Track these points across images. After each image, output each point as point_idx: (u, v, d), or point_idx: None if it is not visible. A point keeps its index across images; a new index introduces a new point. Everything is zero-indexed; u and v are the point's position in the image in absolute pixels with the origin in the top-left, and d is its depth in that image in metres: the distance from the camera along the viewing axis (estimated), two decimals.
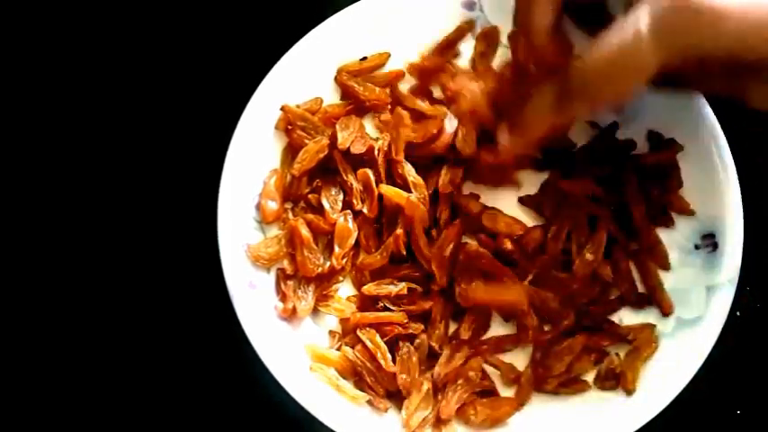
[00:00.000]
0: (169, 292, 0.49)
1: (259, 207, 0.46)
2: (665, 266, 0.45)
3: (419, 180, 0.46)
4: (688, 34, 0.33)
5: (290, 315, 0.45)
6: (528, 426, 0.44)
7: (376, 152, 0.46)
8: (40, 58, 0.53)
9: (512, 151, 0.42)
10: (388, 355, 0.43)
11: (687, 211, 0.45)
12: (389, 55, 0.48)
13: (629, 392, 0.43)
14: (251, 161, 0.46)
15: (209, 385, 0.47)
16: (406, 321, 0.44)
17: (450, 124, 0.45)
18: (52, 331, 0.49)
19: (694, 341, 0.43)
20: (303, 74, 0.47)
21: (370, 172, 0.45)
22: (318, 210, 0.46)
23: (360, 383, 0.44)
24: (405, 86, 0.48)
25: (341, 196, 0.46)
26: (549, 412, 0.44)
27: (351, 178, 0.46)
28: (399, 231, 0.44)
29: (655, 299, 0.45)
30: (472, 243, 0.45)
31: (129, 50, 0.52)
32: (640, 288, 0.46)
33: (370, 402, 0.44)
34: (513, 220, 0.46)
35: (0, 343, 0.49)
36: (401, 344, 0.44)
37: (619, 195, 0.46)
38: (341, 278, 0.46)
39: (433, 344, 0.44)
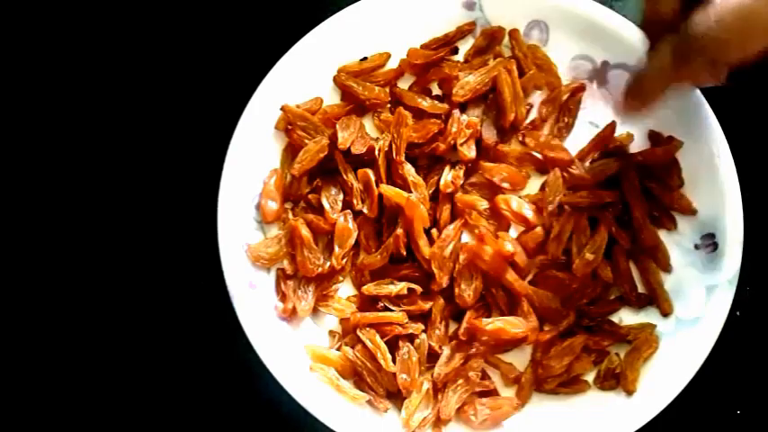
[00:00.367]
0: (169, 291, 0.49)
1: (259, 207, 0.46)
2: (666, 267, 0.45)
3: (419, 180, 0.46)
4: None
5: (290, 315, 0.45)
6: (528, 426, 0.44)
7: (376, 152, 0.46)
8: (40, 58, 0.53)
9: (631, 115, 0.42)
10: (388, 355, 0.43)
11: (689, 211, 0.45)
12: (390, 55, 0.48)
13: (630, 392, 0.43)
14: (251, 161, 0.46)
15: (210, 385, 0.47)
16: (405, 321, 0.44)
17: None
18: (52, 331, 0.49)
19: (694, 341, 0.43)
20: (303, 74, 0.47)
21: (370, 172, 0.45)
22: (318, 210, 0.46)
23: (360, 383, 0.44)
24: (405, 85, 0.48)
25: (341, 196, 0.46)
26: (550, 412, 0.44)
27: (351, 178, 0.46)
28: (399, 231, 0.44)
29: (655, 299, 0.45)
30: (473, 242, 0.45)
31: (129, 51, 0.52)
32: (640, 288, 0.46)
33: (370, 402, 0.44)
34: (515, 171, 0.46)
35: (0, 343, 0.49)
36: (401, 344, 0.44)
37: (619, 195, 0.46)
38: (341, 278, 0.46)
39: (433, 344, 0.44)
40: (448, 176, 0.45)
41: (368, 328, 0.44)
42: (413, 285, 0.45)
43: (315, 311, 0.46)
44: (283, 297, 0.45)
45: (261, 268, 0.46)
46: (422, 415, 0.43)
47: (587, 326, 0.45)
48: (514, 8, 0.48)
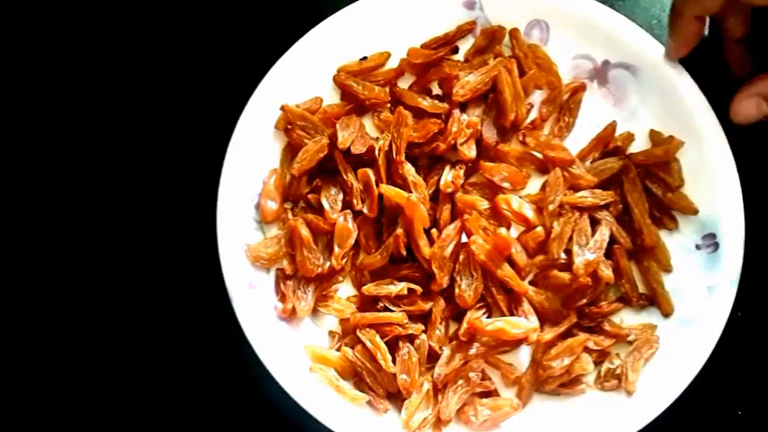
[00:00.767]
0: (169, 291, 0.49)
1: (259, 207, 0.46)
2: (667, 267, 0.45)
3: (419, 180, 0.45)
4: None
5: (290, 315, 0.45)
6: (528, 426, 0.44)
7: (376, 152, 0.46)
8: (40, 58, 0.53)
9: (675, 56, 0.45)
10: (388, 356, 0.43)
11: (690, 210, 0.45)
12: (389, 55, 0.48)
13: (630, 393, 0.43)
14: (251, 161, 0.46)
15: (209, 385, 0.47)
16: (405, 322, 0.44)
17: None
18: (52, 331, 0.49)
19: (695, 341, 0.43)
20: (303, 74, 0.47)
21: (370, 172, 0.45)
22: (318, 210, 0.46)
23: (360, 384, 0.44)
24: (405, 85, 0.48)
25: (341, 196, 0.46)
26: (550, 413, 0.44)
27: (351, 178, 0.46)
28: (399, 231, 0.44)
29: (655, 299, 0.45)
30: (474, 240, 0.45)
31: (129, 51, 0.52)
32: (641, 288, 0.45)
33: (369, 403, 0.44)
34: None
35: (0, 343, 0.49)
36: (401, 344, 0.44)
37: (619, 195, 0.45)
38: (340, 278, 0.46)
39: (433, 344, 0.44)
40: (448, 176, 0.45)
41: (368, 329, 0.44)
42: (413, 285, 0.44)
43: (314, 312, 0.46)
44: (283, 297, 0.45)
45: (260, 268, 0.46)
46: (422, 415, 0.43)
47: (588, 326, 0.44)
48: (515, 7, 0.48)
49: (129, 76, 0.52)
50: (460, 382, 0.43)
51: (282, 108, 0.46)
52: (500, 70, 0.46)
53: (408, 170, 0.45)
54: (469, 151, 0.46)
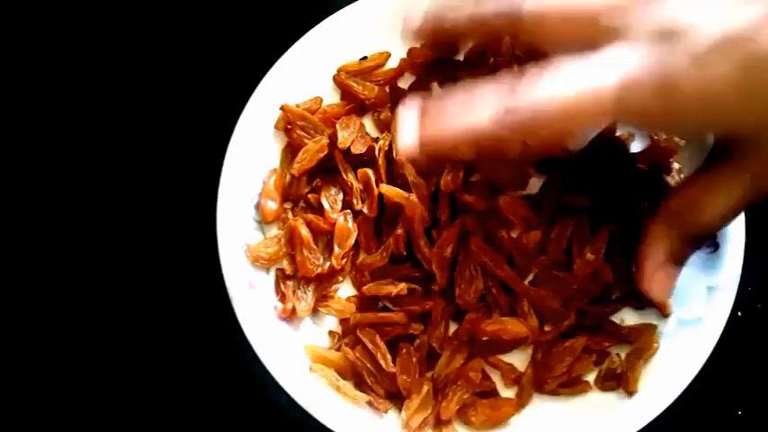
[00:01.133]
0: (168, 292, 0.49)
1: (259, 207, 0.46)
2: None
3: (419, 180, 0.45)
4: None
5: (290, 315, 0.45)
6: (529, 427, 0.44)
7: (377, 152, 0.46)
8: (40, 58, 0.53)
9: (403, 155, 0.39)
10: (389, 356, 0.43)
11: None
12: (390, 54, 0.48)
13: (631, 393, 0.43)
14: (250, 161, 0.46)
15: (209, 386, 0.47)
16: (406, 322, 0.44)
17: None
18: (52, 331, 0.49)
19: (695, 341, 0.43)
20: (303, 74, 0.47)
21: (370, 172, 0.45)
22: (318, 210, 0.46)
23: (360, 384, 0.44)
24: (405, 85, 0.48)
25: (341, 196, 0.46)
26: (550, 413, 0.44)
27: (351, 178, 0.46)
28: (399, 231, 0.44)
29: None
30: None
31: (129, 50, 0.52)
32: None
33: (370, 403, 0.44)
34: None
35: (0, 343, 0.49)
36: (401, 344, 0.44)
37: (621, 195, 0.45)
38: (340, 278, 0.46)
39: (434, 344, 0.44)
40: (448, 176, 0.45)
41: (368, 329, 0.44)
42: (413, 285, 0.44)
43: (314, 312, 0.46)
44: (283, 297, 0.45)
45: (260, 268, 0.46)
46: (422, 416, 0.43)
47: (588, 326, 0.44)
48: None
49: (129, 76, 0.52)
50: (461, 382, 0.43)
51: (282, 108, 0.46)
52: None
53: (408, 170, 0.45)
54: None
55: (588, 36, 0.35)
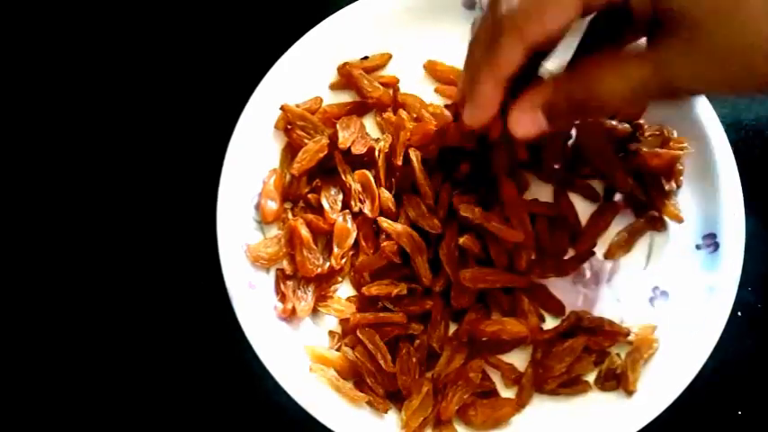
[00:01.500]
0: (169, 292, 0.49)
1: (258, 207, 0.46)
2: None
3: (428, 191, 0.45)
4: None
5: (290, 315, 0.45)
6: (529, 427, 0.43)
7: (377, 153, 0.46)
8: (40, 59, 0.53)
9: (474, 124, 0.39)
10: (388, 356, 0.43)
11: (676, 218, 0.45)
12: (390, 56, 0.48)
13: (630, 393, 0.43)
14: (250, 161, 0.46)
15: (209, 386, 0.47)
16: (405, 322, 0.44)
17: None
18: (52, 331, 0.49)
19: (695, 341, 0.43)
20: (303, 74, 0.47)
21: (369, 173, 0.45)
22: (318, 210, 0.46)
23: (359, 384, 0.44)
24: (405, 87, 0.48)
25: (340, 196, 0.46)
26: (550, 413, 0.44)
27: (350, 179, 0.46)
28: (394, 248, 0.44)
29: (657, 207, 0.45)
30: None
31: (129, 50, 0.52)
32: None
33: (369, 403, 0.44)
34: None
35: (0, 343, 0.49)
36: (401, 344, 0.44)
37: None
38: (340, 279, 0.46)
39: (434, 344, 0.44)
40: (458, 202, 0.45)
41: (368, 329, 0.44)
42: (413, 285, 0.44)
43: (314, 312, 0.45)
44: (283, 297, 0.45)
45: (260, 268, 0.46)
46: (422, 416, 0.43)
47: (588, 326, 0.44)
48: None
49: (129, 76, 0.52)
50: (461, 382, 0.43)
51: (282, 108, 0.46)
52: None
53: (421, 178, 0.45)
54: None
55: None
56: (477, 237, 0.44)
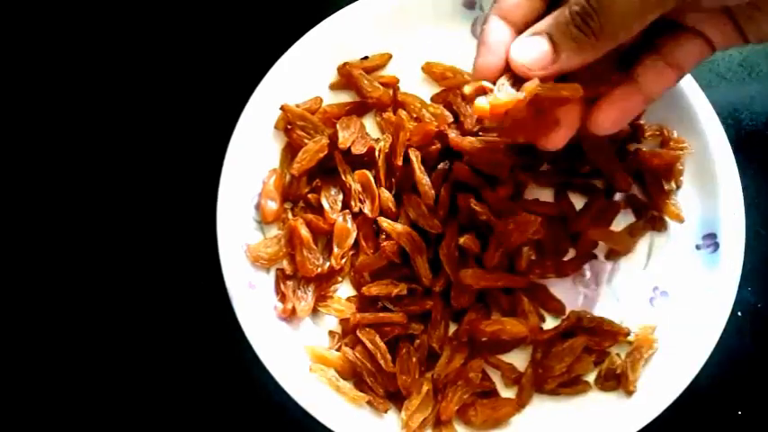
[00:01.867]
0: (169, 292, 0.49)
1: (258, 207, 0.46)
2: (677, 182, 0.46)
3: (430, 192, 0.45)
4: None
5: (290, 315, 0.45)
6: (529, 426, 0.43)
7: (377, 153, 0.46)
8: (41, 59, 0.53)
9: (484, 71, 0.37)
10: (388, 356, 0.43)
11: (676, 218, 0.45)
12: (391, 56, 0.48)
13: (630, 393, 0.43)
14: (250, 161, 0.46)
15: (209, 386, 0.47)
16: (405, 322, 0.44)
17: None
18: (52, 331, 0.49)
19: (695, 341, 0.43)
20: (303, 74, 0.47)
21: (369, 173, 0.45)
22: (318, 210, 0.46)
23: (360, 384, 0.44)
24: (406, 87, 0.48)
25: (340, 196, 0.46)
26: (550, 413, 0.44)
27: (350, 179, 0.46)
28: (394, 248, 0.44)
29: (656, 207, 0.45)
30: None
31: (129, 50, 0.52)
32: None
33: (369, 403, 0.44)
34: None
35: (0, 343, 0.49)
36: (401, 344, 0.44)
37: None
38: (340, 279, 0.46)
39: (434, 344, 0.44)
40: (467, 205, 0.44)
41: (368, 329, 0.44)
42: (413, 285, 0.44)
43: (314, 312, 0.45)
44: (283, 297, 0.45)
45: (260, 268, 0.46)
46: (422, 416, 0.43)
47: (588, 326, 0.44)
48: None
49: (129, 76, 0.52)
50: (461, 382, 0.43)
51: (282, 108, 0.46)
52: None
53: (421, 180, 0.44)
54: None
55: None
56: (477, 237, 0.44)
